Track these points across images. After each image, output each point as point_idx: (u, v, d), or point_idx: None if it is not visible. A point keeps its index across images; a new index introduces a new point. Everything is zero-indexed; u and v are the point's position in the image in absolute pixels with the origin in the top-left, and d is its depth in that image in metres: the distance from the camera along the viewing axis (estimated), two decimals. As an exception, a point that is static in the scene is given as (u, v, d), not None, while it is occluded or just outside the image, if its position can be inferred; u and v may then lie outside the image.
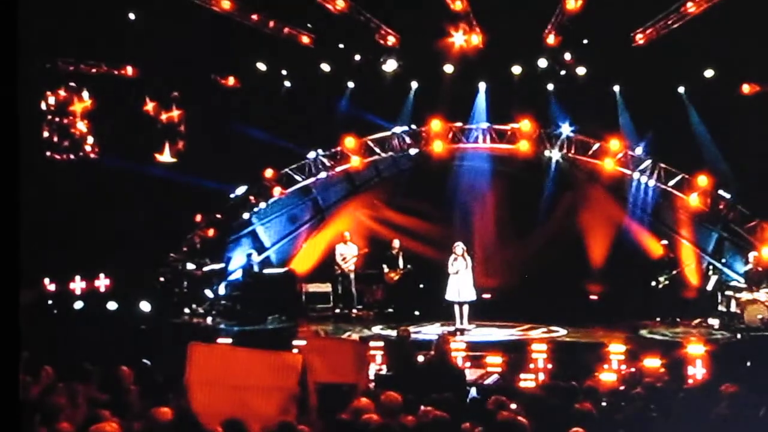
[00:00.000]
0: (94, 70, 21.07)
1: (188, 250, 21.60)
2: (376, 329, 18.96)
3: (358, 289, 21.47)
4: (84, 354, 10.39)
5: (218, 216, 22.35)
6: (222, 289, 21.73)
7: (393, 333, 16.26)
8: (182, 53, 19.89)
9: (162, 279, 20.85)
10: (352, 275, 21.24)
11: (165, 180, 20.77)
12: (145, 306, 19.73)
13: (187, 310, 20.72)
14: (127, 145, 20.70)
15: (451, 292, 18.78)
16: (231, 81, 22.27)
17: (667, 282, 19.77)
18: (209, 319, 20.34)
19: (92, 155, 21.05)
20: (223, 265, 21.99)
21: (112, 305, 19.46)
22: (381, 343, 14.80)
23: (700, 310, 19.47)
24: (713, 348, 15.15)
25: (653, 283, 19.80)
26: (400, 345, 13.42)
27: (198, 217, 22.19)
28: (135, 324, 18.44)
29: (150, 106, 21.32)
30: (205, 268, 21.37)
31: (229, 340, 16.31)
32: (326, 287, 21.78)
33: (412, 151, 22.28)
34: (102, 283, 20.14)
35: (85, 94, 21.04)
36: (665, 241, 20.52)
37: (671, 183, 20.87)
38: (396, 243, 21.17)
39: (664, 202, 21.66)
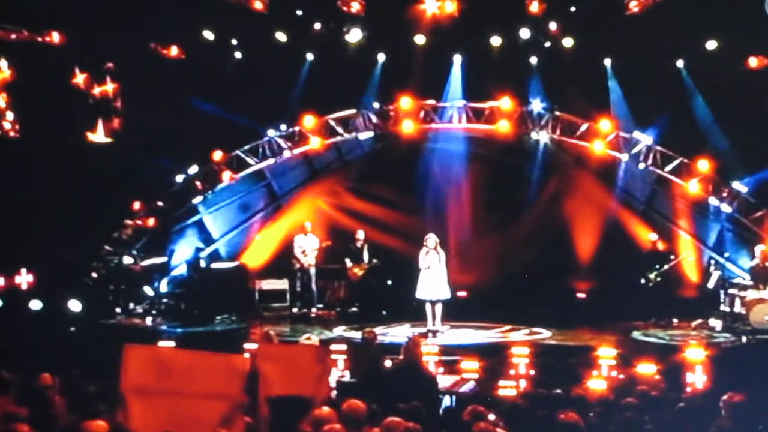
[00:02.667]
0: (13, 36, 20.70)
1: (125, 242, 21.38)
2: (339, 331, 18.90)
3: (318, 286, 21.43)
4: (0, 361, 10.18)
5: (159, 204, 22.17)
6: (164, 286, 21.61)
7: (357, 335, 16.24)
8: (117, 18, 19.63)
9: (94, 275, 20.62)
10: (311, 270, 21.18)
11: (98, 162, 20.50)
12: (74, 305, 19.48)
13: (122, 310, 20.50)
14: (53, 122, 20.38)
15: (423, 289, 18.74)
16: (174, 51, 22.02)
17: (658, 279, 19.82)
18: (149, 320, 20.20)
19: (12, 133, 20.72)
20: (164, 258, 21.84)
21: (35, 304, 19.20)
22: (344, 347, 14.77)
23: (701, 310, 19.59)
24: (715, 352, 15.27)
25: (642, 281, 19.86)
26: (365, 348, 13.41)
27: (136, 205, 21.98)
28: (62, 326, 18.21)
29: (80, 79, 21.00)
30: (145, 263, 21.19)
31: (172, 344, 16.18)
32: (282, 284, 21.75)
33: (379, 132, 22.20)
34: (24, 279, 19.85)
35: (3, 63, 20.69)
36: (654, 234, 20.59)
37: (668, 168, 20.96)
38: (360, 234, 21.12)
39: (660, 190, 21.79)
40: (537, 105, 21.41)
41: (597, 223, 21.91)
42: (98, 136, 21.20)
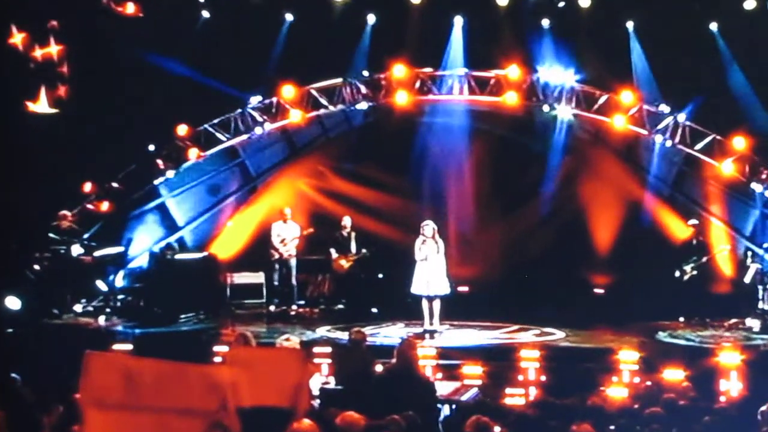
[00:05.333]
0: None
1: (74, 230, 21.32)
2: (322, 331, 18.89)
3: (299, 280, 21.42)
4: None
5: (114, 185, 22.08)
6: (119, 280, 21.52)
7: (344, 336, 16.20)
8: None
9: (37, 267, 20.53)
10: (291, 262, 21.16)
11: (41, 137, 20.39)
12: (13, 303, 19.42)
13: (71, 308, 20.42)
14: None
15: (419, 283, 18.75)
16: (130, 8, 21.88)
17: (694, 272, 19.88)
18: (102, 320, 20.09)
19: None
20: (121, 248, 21.75)
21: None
22: (328, 349, 14.78)
23: (736, 308, 19.64)
24: (752, 356, 15.29)
25: (677, 274, 19.93)
26: (352, 351, 13.39)
27: (87, 186, 21.90)
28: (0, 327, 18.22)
29: (18, 39, 20.91)
30: (97, 253, 21.08)
31: (129, 347, 16.17)
32: (258, 277, 21.77)
33: (369, 104, 22.19)
34: (-47, 273, 19.89)
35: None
36: (694, 221, 20.60)
37: (699, 146, 20.97)
38: (347, 221, 21.10)
39: (690, 171, 21.81)
40: (549, 74, 21.36)
41: (617, 209, 21.95)
42: (40, 106, 21.09)
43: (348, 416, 7.84)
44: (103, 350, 9.08)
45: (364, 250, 20.92)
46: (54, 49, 21.02)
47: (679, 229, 20.93)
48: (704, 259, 20.04)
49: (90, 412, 6.68)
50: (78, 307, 20.51)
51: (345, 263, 20.96)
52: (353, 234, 21.08)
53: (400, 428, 8.41)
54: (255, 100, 22.06)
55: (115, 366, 7.01)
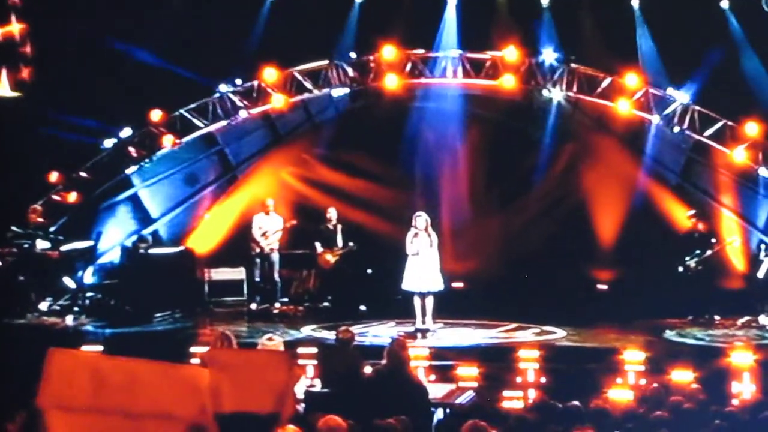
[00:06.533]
0: None
1: (39, 223, 21.29)
2: (307, 330, 18.94)
3: (282, 276, 21.44)
4: None
5: (83, 175, 22.07)
6: (89, 277, 21.47)
7: (331, 335, 16.23)
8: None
9: (-1, 263, 20.59)
10: (274, 256, 21.17)
11: (1, 122, 20.34)
12: (-29, 301, 19.51)
13: (35, 307, 20.39)
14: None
15: (410, 279, 18.77)
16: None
17: (699, 267, 19.89)
18: (69, 319, 20.08)
19: None
20: (90, 242, 21.69)
21: None
22: (314, 350, 14.76)
23: (748, 305, 19.68)
24: (765, 356, 15.30)
25: (680, 269, 19.95)
26: (339, 352, 13.39)
27: (53, 176, 21.88)
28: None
29: (-26, 17, 20.91)
30: (65, 248, 21.05)
31: (99, 348, 16.14)
32: (238, 273, 21.81)
33: (356, 88, 22.18)
34: None
35: None
36: (693, 211, 20.65)
37: (709, 132, 21.00)
38: (332, 213, 21.09)
39: (699, 159, 21.83)
40: (549, 55, 21.38)
41: (621, 200, 22.00)
42: (1, 89, 21.05)
43: (330, 420, 7.84)
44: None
45: (351, 244, 20.91)
46: (15, 27, 20.94)
47: (686, 221, 20.94)
48: (708, 253, 20.05)
49: (52, 417, 6.59)
50: (43, 306, 20.48)
51: (330, 258, 20.96)
52: (339, 226, 21.08)
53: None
54: (224, 87, 21.98)
55: (82, 365, 6.94)
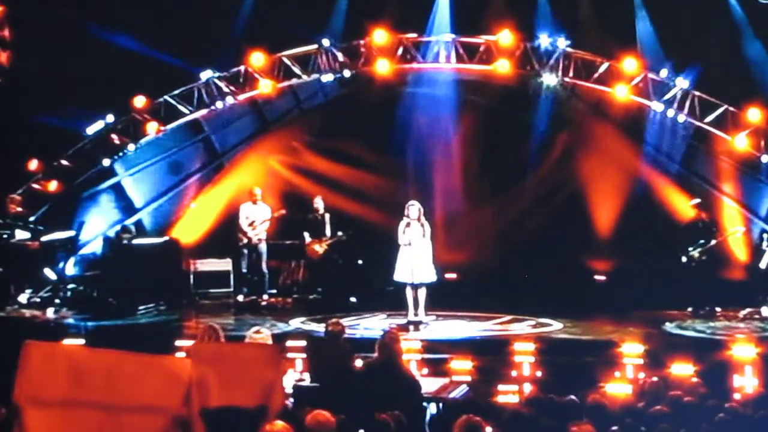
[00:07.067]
0: None
1: (18, 213, 21.25)
2: (296, 323, 18.94)
3: (270, 267, 21.44)
4: None
5: (64, 163, 22.06)
6: (70, 268, 21.50)
7: (320, 328, 16.26)
8: None
9: (-24, 254, 20.58)
10: (262, 247, 21.16)
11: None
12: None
13: (15, 299, 20.39)
14: None
15: (402, 270, 18.76)
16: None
17: (702, 257, 19.92)
18: (50, 312, 20.13)
19: None
20: (72, 233, 21.74)
21: None
22: (303, 343, 14.74)
23: (750, 297, 19.72)
24: (768, 349, 15.33)
25: (683, 259, 19.96)
26: (329, 345, 13.39)
27: (33, 164, 21.86)
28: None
29: (-52, -1, 20.87)
30: (45, 238, 21.08)
31: (81, 341, 16.11)
32: (225, 264, 21.82)
33: (346, 73, 22.18)
34: None
35: None
36: (697, 200, 20.65)
37: (710, 118, 21.01)
38: (319, 202, 21.05)
39: (699, 146, 21.84)
40: (544, 40, 21.38)
41: (619, 188, 22.02)
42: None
43: (318, 415, 7.82)
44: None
45: (339, 233, 20.88)
46: (-7, 10, 20.92)
47: (686, 210, 20.95)
48: (712, 243, 20.06)
49: (29, 411, 6.58)
50: (23, 298, 20.53)
51: (319, 248, 20.94)
52: (327, 216, 21.05)
53: (384, 428, 8.40)
54: (210, 73, 21.92)
55: (59, 357, 6.92)
